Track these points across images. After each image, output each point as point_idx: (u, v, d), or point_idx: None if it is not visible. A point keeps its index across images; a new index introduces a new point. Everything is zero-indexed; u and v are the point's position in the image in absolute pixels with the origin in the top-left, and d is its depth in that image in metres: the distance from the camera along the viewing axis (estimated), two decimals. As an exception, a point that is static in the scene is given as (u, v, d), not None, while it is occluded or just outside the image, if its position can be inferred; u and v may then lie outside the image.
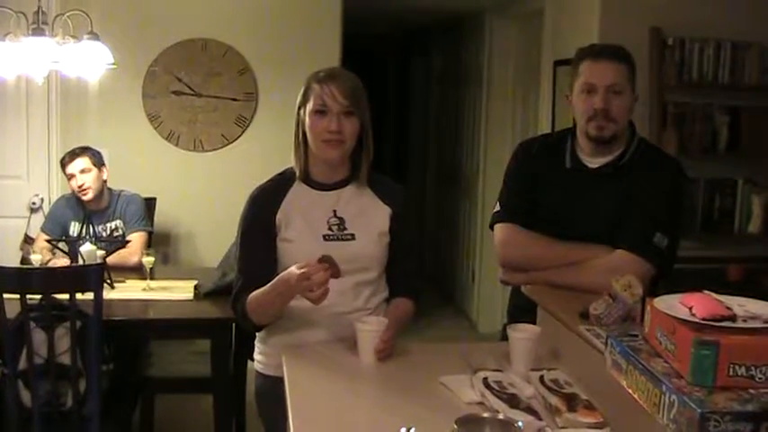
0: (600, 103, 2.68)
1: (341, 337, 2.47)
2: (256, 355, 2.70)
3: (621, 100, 2.70)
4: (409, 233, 2.67)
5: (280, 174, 2.65)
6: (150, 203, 5.09)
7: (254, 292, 2.47)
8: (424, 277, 2.83)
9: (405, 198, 2.70)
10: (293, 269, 2.30)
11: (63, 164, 4.57)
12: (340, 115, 2.45)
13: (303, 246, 2.46)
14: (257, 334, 2.68)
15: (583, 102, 2.73)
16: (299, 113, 2.54)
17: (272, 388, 2.50)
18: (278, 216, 2.53)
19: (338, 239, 2.52)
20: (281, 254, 2.53)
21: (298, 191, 2.57)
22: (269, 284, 2.43)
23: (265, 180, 2.66)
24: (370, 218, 2.58)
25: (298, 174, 2.57)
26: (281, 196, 2.56)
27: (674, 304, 1.81)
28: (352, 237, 2.54)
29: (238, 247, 2.60)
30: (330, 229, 2.52)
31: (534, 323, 2.57)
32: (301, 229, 2.52)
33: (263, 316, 2.52)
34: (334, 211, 2.55)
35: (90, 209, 4.57)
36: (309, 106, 2.48)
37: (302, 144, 2.54)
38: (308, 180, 2.57)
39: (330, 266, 2.30)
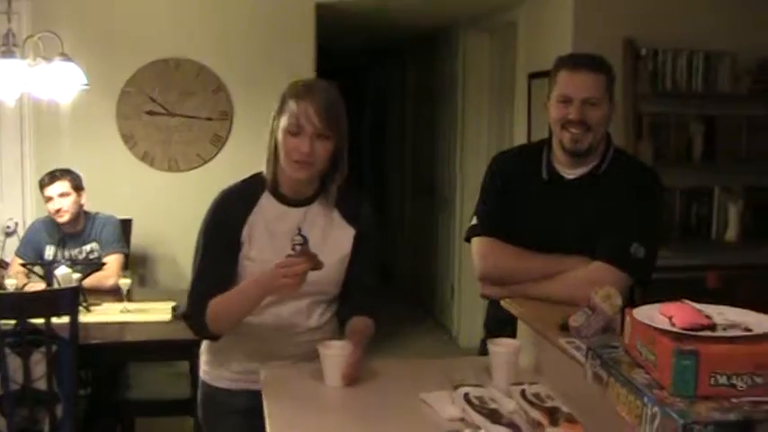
0: (575, 115, 2.67)
1: (292, 356, 2.45)
2: (202, 365, 2.67)
3: (597, 111, 2.68)
4: (371, 250, 2.61)
5: (247, 180, 2.57)
6: (126, 225, 5.05)
7: (217, 298, 2.41)
8: (386, 293, 2.78)
9: (369, 214, 2.64)
10: (266, 271, 2.29)
11: (42, 185, 4.54)
12: (313, 137, 2.37)
13: (266, 266, 2.36)
14: (204, 344, 2.65)
15: (558, 111, 2.72)
16: (273, 124, 2.45)
17: (215, 397, 2.59)
18: (244, 231, 2.47)
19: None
20: (242, 271, 2.48)
21: (265, 204, 2.50)
22: (233, 290, 2.40)
23: (231, 184, 2.58)
24: (333, 241, 2.53)
25: (268, 183, 2.50)
26: (249, 208, 2.49)
27: (653, 314, 1.80)
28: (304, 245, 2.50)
29: (199, 253, 2.52)
30: (293, 248, 2.46)
31: (512, 335, 2.56)
32: (265, 247, 2.46)
33: (225, 323, 2.44)
34: (299, 229, 2.50)
35: (65, 232, 4.54)
36: (283, 122, 2.40)
37: (273, 155, 2.46)
38: (276, 192, 2.51)
39: (310, 258, 2.28)
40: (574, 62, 2.74)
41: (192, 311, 2.47)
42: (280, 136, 2.41)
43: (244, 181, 2.58)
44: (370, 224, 2.63)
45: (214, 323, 2.44)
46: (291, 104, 2.38)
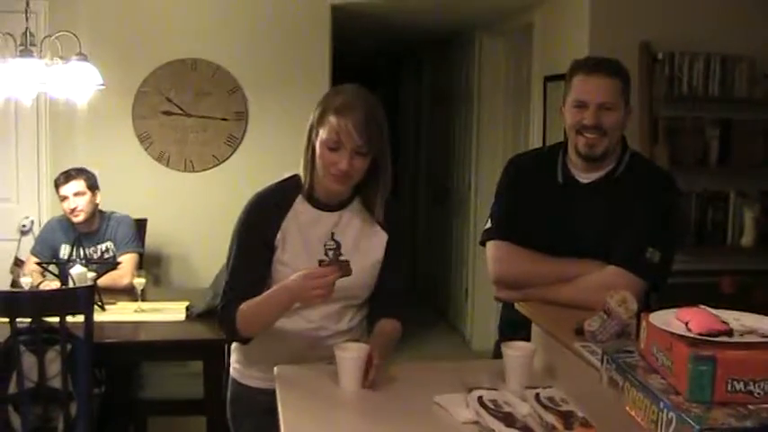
0: (590, 120, 2.66)
1: (321, 358, 2.44)
2: (233, 363, 2.68)
3: (613, 116, 2.67)
4: (400, 255, 2.62)
5: (282, 183, 2.57)
6: (141, 224, 5.07)
7: (247, 302, 2.42)
8: (411, 296, 2.78)
9: (399, 220, 2.66)
10: (295, 277, 2.29)
11: (57, 184, 4.56)
12: (352, 153, 2.36)
13: (298, 271, 2.35)
14: (234, 343, 2.66)
15: (573, 116, 2.71)
16: (311, 133, 2.43)
17: (245, 396, 2.60)
18: (278, 235, 2.47)
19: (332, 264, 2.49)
20: (275, 274, 2.49)
21: (299, 208, 2.50)
22: (264, 295, 2.40)
23: (266, 186, 2.58)
24: (366, 247, 2.54)
25: (304, 189, 2.49)
26: (283, 212, 2.49)
27: (669, 320, 1.79)
28: (347, 263, 2.50)
29: (232, 254, 2.53)
30: (326, 254, 2.47)
31: (526, 338, 2.55)
32: (298, 251, 2.47)
33: (255, 327, 2.46)
34: (332, 234, 2.50)
35: (81, 231, 4.55)
36: (322, 135, 2.37)
37: (310, 162, 2.45)
38: (310, 197, 2.51)
39: (339, 268, 2.29)
40: (589, 67, 2.72)
41: (223, 314, 2.48)
42: (318, 147, 2.40)
43: (279, 183, 2.58)
44: (400, 229, 2.64)
45: (244, 326, 2.45)
46: (332, 119, 2.36)
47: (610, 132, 2.67)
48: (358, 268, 2.42)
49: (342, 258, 2.47)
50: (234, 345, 2.68)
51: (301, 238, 2.48)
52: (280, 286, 2.38)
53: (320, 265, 2.43)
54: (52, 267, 4.27)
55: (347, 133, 2.33)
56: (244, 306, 2.42)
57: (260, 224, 2.50)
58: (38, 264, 4.41)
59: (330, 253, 2.48)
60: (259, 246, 2.48)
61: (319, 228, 2.50)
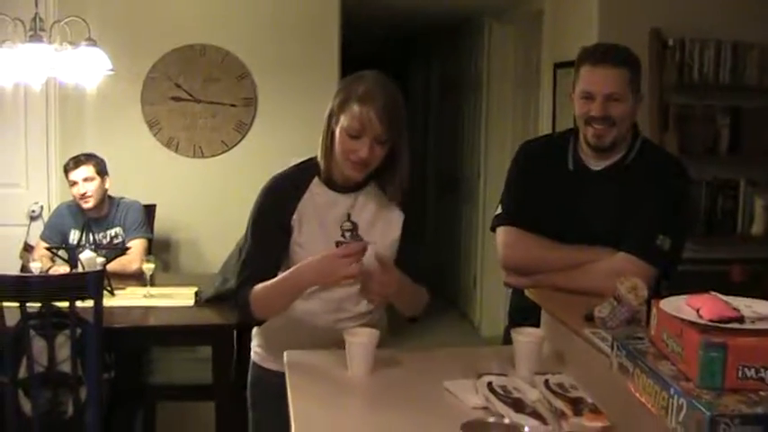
0: (597, 111, 2.65)
1: (340, 341, 2.41)
2: (254, 347, 2.70)
3: (621, 106, 2.65)
4: (417, 232, 2.65)
5: (299, 165, 2.58)
6: (150, 210, 5.08)
7: (262, 284, 2.43)
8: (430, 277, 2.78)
9: (414, 197, 2.65)
10: (310, 260, 2.31)
11: (66, 170, 4.57)
12: (373, 142, 2.37)
13: (315, 252, 2.37)
14: (256, 327, 2.67)
15: (580, 107, 2.70)
16: (330, 119, 2.43)
17: (266, 380, 2.60)
18: (294, 216, 2.48)
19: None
20: (292, 257, 2.49)
21: (315, 190, 2.51)
22: (278, 277, 2.41)
23: (282, 170, 2.59)
24: (383, 225, 2.55)
25: (322, 173, 2.50)
26: (299, 194, 2.50)
27: (680, 306, 1.79)
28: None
29: (248, 236, 2.54)
30: (343, 235, 2.49)
31: (536, 325, 2.55)
32: (314, 233, 2.48)
33: (269, 310, 2.47)
34: (348, 215, 2.51)
35: (90, 216, 4.56)
36: (343, 122, 2.37)
37: (329, 148, 2.45)
38: (327, 180, 2.51)
39: (361, 250, 2.30)
40: (595, 57, 2.69)
41: (238, 296, 2.49)
42: (338, 133, 2.40)
43: (296, 166, 2.59)
44: (416, 210, 2.65)
45: (258, 308, 2.46)
46: (354, 107, 2.36)
47: (618, 123, 2.66)
48: (376, 247, 2.40)
49: (359, 239, 2.47)
50: (254, 330, 2.70)
51: (317, 220, 2.49)
52: (295, 268, 2.38)
53: (337, 246, 2.44)
54: (61, 252, 4.28)
55: (369, 122, 2.34)
56: (257, 289, 2.43)
57: (275, 207, 2.51)
58: (47, 249, 4.42)
59: (347, 234, 2.49)
60: (275, 228, 2.49)
61: (336, 209, 2.51)
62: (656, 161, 2.78)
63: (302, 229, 2.49)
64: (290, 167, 2.60)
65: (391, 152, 2.46)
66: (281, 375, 2.35)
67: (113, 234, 4.60)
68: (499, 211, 2.89)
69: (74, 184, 4.53)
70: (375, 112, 2.34)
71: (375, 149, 2.39)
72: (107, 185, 4.62)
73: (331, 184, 2.51)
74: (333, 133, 2.43)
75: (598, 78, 2.65)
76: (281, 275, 2.42)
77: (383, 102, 2.36)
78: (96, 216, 4.59)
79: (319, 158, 2.49)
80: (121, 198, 4.72)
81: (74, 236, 4.56)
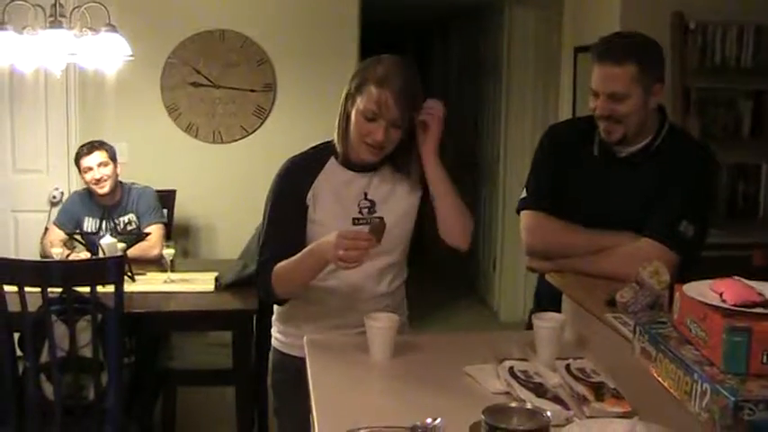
0: (600, 111, 2.63)
1: (359, 323, 2.39)
2: (274, 333, 2.70)
3: (625, 105, 2.60)
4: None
5: (315, 148, 2.58)
6: (170, 196, 5.08)
7: (282, 263, 2.42)
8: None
9: None
10: (329, 237, 2.28)
11: (79, 156, 4.55)
12: (389, 125, 2.37)
13: (332, 229, 2.35)
14: (276, 312, 2.68)
15: (591, 102, 2.68)
16: (347, 101, 2.43)
17: (287, 365, 2.59)
18: (309, 194, 2.48)
19: (368, 223, 2.47)
20: (309, 235, 2.49)
21: (331, 169, 2.51)
22: (300, 254, 2.40)
23: (299, 153, 2.59)
24: (399, 199, 2.55)
25: (339, 155, 2.50)
26: (315, 173, 2.50)
27: (703, 290, 1.77)
28: (381, 221, 2.51)
29: (266, 219, 2.54)
30: (360, 212, 2.49)
31: (559, 310, 2.54)
32: (331, 210, 2.48)
33: (290, 287, 2.47)
34: (365, 194, 2.51)
35: (103, 204, 4.57)
36: (360, 104, 2.38)
37: (344, 130, 2.45)
38: (345, 162, 2.51)
39: (375, 238, 2.27)
40: (600, 54, 2.64)
41: (259, 276, 2.50)
42: (354, 115, 2.40)
43: (312, 148, 2.59)
44: None
45: (279, 287, 2.46)
46: (372, 89, 2.36)
47: (624, 120, 2.62)
48: (392, 222, 2.39)
49: (376, 216, 2.47)
50: (275, 315, 2.70)
51: (334, 197, 2.49)
52: (313, 246, 2.38)
53: (354, 223, 2.46)
54: (79, 238, 4.30)
55: (386, 105, 2.34)
56: (278, 267, 2.43)
57: (292, 186, 2.51)
58: (68, 234, 4.43)
59: (365, 211, 2.49)
60: (292, 208, 2.50)
61: (352, 188, 2.51)
62: (683, 148, 2.74)
63: (317, 206, 2.49)
64: (306, 149, 2.60)
65: (408, 134, 2.45)
66: (302, 360, 2.36)
67: (126, 221, 4.60)
68: (524, 194, 2.88)
69: (88, 170, 4.51)
70: (392, 94, 2.34)
71: (390, 133, 2.38)
72: (118, 171, 4.62)
73: (348, 164, 2.51)
74: (348, 115, 2.43)
75: (601, 77, 2.62)
76: (300, 253, 2.40)
77: (400, 85, 2.35)
78: (110, 203, 4.59)
79: (336, 141, 2.49)
80: (132, 184, 4.71)
81: (88, 223, 4.55)
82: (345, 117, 2.44)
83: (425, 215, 2.60)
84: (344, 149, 2.48)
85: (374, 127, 2.37)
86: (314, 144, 2.60)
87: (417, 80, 2.43)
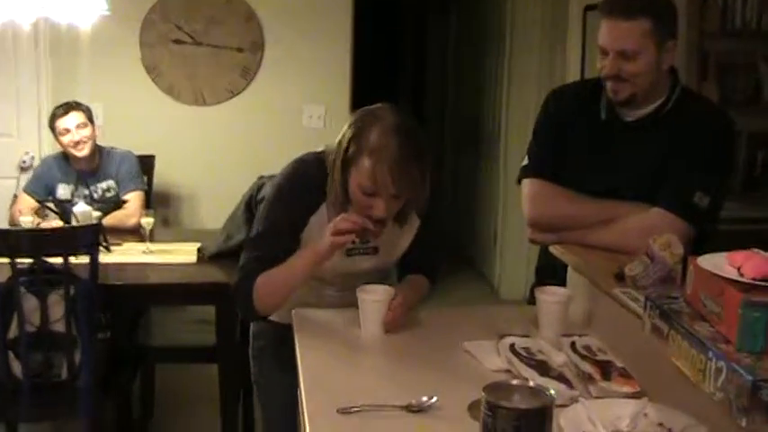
0: (608, 70, 2.59)
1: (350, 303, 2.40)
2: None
3: (635, 64, 2.56)
4: (433, 230, 2.66)
5: (323, 168, 2.46)
6: (149, 161, 5.06)
7: (266, 273, 2.40)
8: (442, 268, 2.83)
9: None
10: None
11: (54, 117, 4.51)
12: (389, 198, 2.31)
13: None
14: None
15: (599, 61, 2.65)
16: (343, 169, 2.35)
17: (266, 332, 2.70)
18: (305, 232, 2.46)
19: (361, 253, 2.51)
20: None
21: (325, 212, 2.46)
22: (281, 265, 2.39)
23: (310, 160, 2.52)
24: (396, 243, 2.57)
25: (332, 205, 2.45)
26: (314, 208, 2.47)
27: (719, 263, 1.77)
28: (375, 250, 2.53)
29: (261, 222, 2.51)
30: (353, 241, 2.44)
31: (562, 283, 2.54)
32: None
33: (272, 297, 2.44)
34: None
35: (80, 168, 4.54)
36: (357, 178, 2.31)
37: (343, 197, 2.39)
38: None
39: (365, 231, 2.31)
40: (609, 8, 2.60)
41: (239, 287, 2.47)
42: (351, 185, 2.34)
43: (323, 164, 2.47)
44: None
45: (261, 297, 2.43)
46: (366, 163, 2.28)
47: (632, 80, 2.59)
48: (387, 253, 2.50)
49: (370, 245, 2.51)
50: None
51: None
52: (299, 251, 2.40)
53: (348, 254, 2.49)
54: (51, 205, 4.27)
55: (383, 182, 2.27)
56: (262, 278, 2.41)
57: (294, 207, 2.48)
58: (38, 201, 4.41)
59: (358, 241, 2.45)
60: (288, 227, 2.47)
61: None
62: (696, 112, 2.70)
63: (312, 234, 2.45)
64: (317, 160, 2.50)
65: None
66: (284, 326, 2.36)
67: (105, 187, 4.57)
68: (525, 162, 2.85)
69: (65, 132, 4.47)
70: (388, 168, 2.25)
71: (392, 204, 2.34)
72: (96, 134, 4.59)
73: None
74: (345, 179, 2.36)
75: (610, 33, 2.58)
76: (286, 261, 2.39)
77: (397, 155, 2.26)
78: (87, 168, 4.56)
79: (331, 202, 2.43)
80: (112, 148, 4.67)
81: (63, 190, 4.52)
82: (343, 183, 2.37)
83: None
84: (341, 211, 2.40)
85: (375, 202, 2.31)
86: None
87: (416, 140, 2.33)
